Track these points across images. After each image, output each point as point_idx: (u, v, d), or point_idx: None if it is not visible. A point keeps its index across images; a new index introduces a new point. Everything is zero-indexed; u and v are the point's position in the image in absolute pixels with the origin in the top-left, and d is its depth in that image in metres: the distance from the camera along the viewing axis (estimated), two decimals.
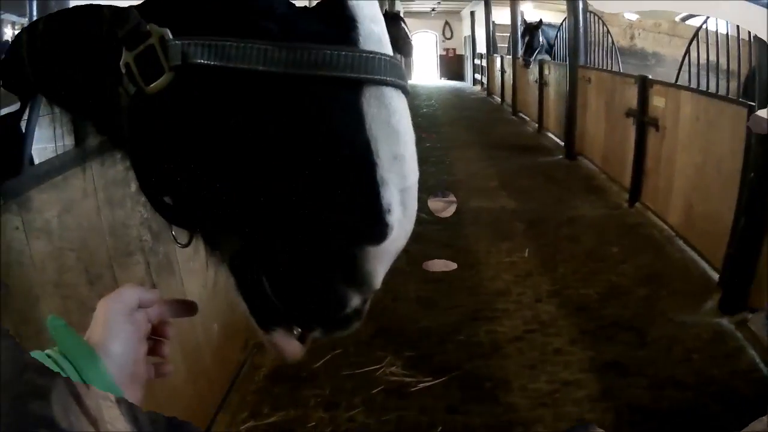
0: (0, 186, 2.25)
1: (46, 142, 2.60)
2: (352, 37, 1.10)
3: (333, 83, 1.06)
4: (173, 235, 1.40)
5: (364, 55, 1.08)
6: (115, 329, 1.18)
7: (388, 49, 1.14)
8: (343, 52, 1.06)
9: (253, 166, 1.09)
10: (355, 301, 1.21)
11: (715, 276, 5.94)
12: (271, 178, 1.09)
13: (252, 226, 1.15)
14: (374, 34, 1.12)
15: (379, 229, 1.08)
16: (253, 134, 1.08)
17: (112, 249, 3.00)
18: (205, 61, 1.05)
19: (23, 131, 2.33)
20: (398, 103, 1.12)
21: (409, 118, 1.15)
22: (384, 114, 1.08)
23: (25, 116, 2.28)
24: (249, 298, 1.26)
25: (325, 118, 1.07)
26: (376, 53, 1.10)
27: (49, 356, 1.07)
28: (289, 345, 1.31)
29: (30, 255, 2.37)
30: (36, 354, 1.06)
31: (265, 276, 1.20)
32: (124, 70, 1.12)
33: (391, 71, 1.10)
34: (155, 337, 1.34)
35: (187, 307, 1.41)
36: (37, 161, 2.64)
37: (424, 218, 7.72)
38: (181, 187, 1.21)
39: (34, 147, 2.55)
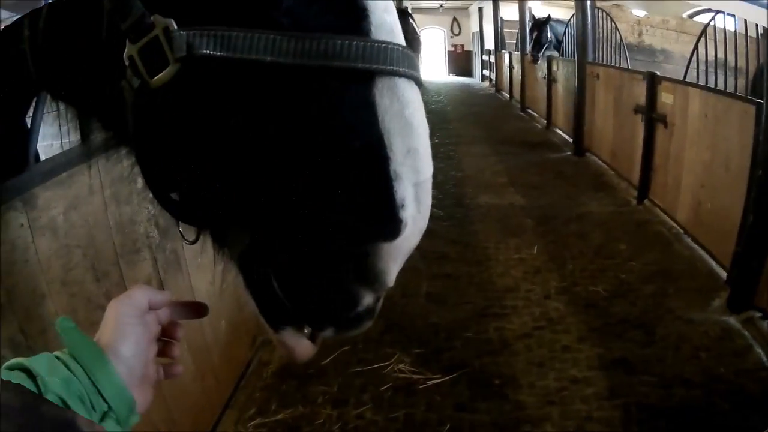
0: (5, 183, 2.24)
1: (52, 138, 2.65)
2: (363, 27, 1.04)
3: (344, 74, 1.01)
4: (180, 232, 1.38)
5: (376, 45, 1.02)
6: (126, 331, 1.17)
7: (400, 39, 1.09)
8: (354, 42, 1.00)
9: (262, 161, 1.05)
10: (367, 299, 1.18)
11: (723, 274, 5.95)
12: (281, 173, 1.04)
13: (261, 223, 1.11)
14: (386, 24, 1.07)
15: (392, 226, 1.03)
16: (261, 127, 1.03)
17: (118, 246, 3.00)
18: (211, 52, 1.00)
19: (28, 127, 2.30)
20: (412, 94, 1.07)
21: (423, 111, 1.09)
22: (397, 106, 1.03)
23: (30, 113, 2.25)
24: (258, 297, 1.23)
25: (336, 111, 1.02)
26: (389, 43, 1.04)
27: (58, 358, 1.06)
28: (300, 344, 1.29)
29: (35, 252, 2.37)
30: (45, 356, 1.06)
31: (274, 274, 1.17)
32: (127, 63, 1.07)
33: (404, 61, 1.05)
34: (165, 338, 1.33)
35: (197, 309, 1.40)
36: (43, 158, 2.63)
37: (434, 213, 7.78)
38: (187, 182, 1.18)
39: (39, 144, 2.52)
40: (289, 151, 1.02)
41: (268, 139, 1.03)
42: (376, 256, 1.08)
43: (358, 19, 1.04)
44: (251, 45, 0.98)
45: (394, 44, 1.04)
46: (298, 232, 1.07)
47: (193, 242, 1.35)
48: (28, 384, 0.97)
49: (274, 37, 0.98)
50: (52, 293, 2.45)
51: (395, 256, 1.09)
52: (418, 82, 1.09)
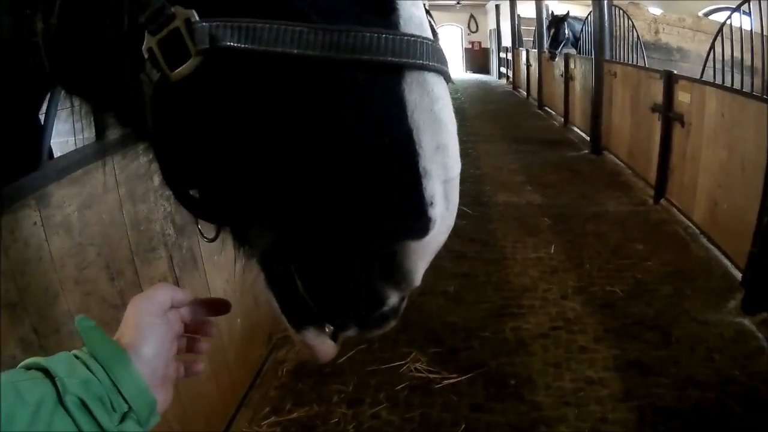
0: (18, 181, 2.22)
1: (66, 135, 2.58)
2: (392, 20, 1.01)
3: (373, 68, 0.98)
4: (199, 230, 1.36)
5: (405, 38, 0.99)
6: (148, 330, 1.15)
7: (429, 33, 1.05)
8: (384, 35, 0.97)
9: (287, 156, 1.01)
10: (393, 299, 1.16)
11: (739, 275, 5.93)
12: (307, 169, 1.00)
13: (285, 220, 1.08)
14: (415, 17, 1.04)
15: (421, 224, 1.01)
16: (287, 122, 1.00)
17: (134, 244, 3.00)
18: (235, 44, 0.96)
19: (42, 124, 2.26)
20: (441, 89, 1.04)
21: (451, 106, 1.07)
22: (426, 101, 1.00)
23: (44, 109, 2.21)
24: (280, 296, 1.22)
25: (364, 106, 0.99)
26: (418, 37, 1.01)
27: (77, 357, 1.04)
28: (322, 344, 1.27)
29: (49, 251, 2.36)
30: (63, 355, 1.05)
31: (299, 272, 1.14)
32: (146, 56, 1.03)
33: (434, 56, 1.02)
34: (190, 334, 1.33)
35: (219, 306, 1.37)
36: (57, 155, 2.62)
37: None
38: (209, 179, 1.16)
39: (54, 140, 2.52)
40: (315, 146, 1.00)
41: (293, 134, 1.00)
42: (403, 254, 1.06)
43: (386, 12, 1.02)
44: (277, 37, 0.95)
45: (424, 38, 1.01)
46: (323, 229, 1.04)
47: (213, 240, 1.33)
48: (45, 385, 0.96)
49: (300, 29, 0.96)
50: (66, 292, 2.44)
51: (423, 254, 1.07)
52: (447, 77, 1.07)
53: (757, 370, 4.52)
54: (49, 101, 2.19)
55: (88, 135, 1.99)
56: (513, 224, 8.08)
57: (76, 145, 2.59)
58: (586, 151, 12.43)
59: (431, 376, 4.62)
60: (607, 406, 4.20)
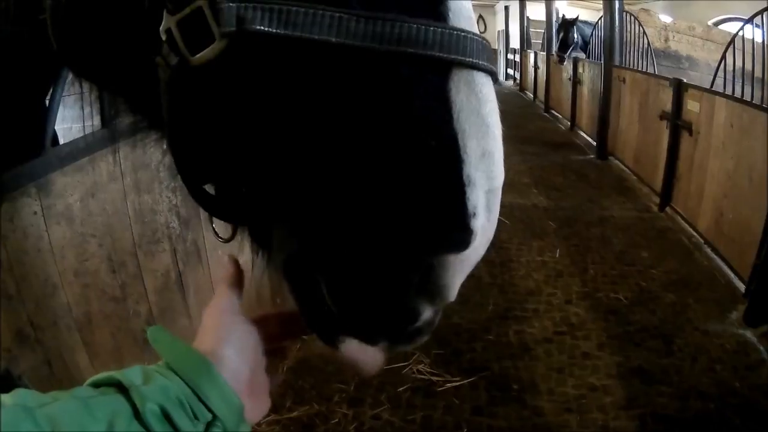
0: (17, 168, 2.17)
1: (73, 121, 2.50)
2: (440, 11, 0.94)
3: (418, 63, 0.90)
4: (214, 229, 1.27)
5: (455, 33, 0.91)
6: (225, 329, 1.09)
7: (477, 29, 0.98)
8: (432, 28, 0.89)
9: (319, 155, 0.93)
10: (427, 313, 1.06)
11: (742, 286, 5.93)
12: (341, 170, 0.92)
13: (314, 225, 0.98)
14: (465, 10, 0.98)
15: (462, 236, 0.93)
16: (320, 117, 0.91)
17: (137, 236, 2.95)
18: (266, 29, 0.87)
19: (47, 108, 2.16)
20: (489, 91, 0.96)
21: (498, 109, 0.98)
22: (474, 103, 0.93)
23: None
24: (306, 307, 1.09)
25: (406, 104, 0.90)
26: (468, 32, 0.93)
27: (157, 372, 0.97)
28: (368, 355, 1.16)
29: (49, 241, 2.31)
30: (137, 367, 0.97)
31: (326, 282, 1.02)
32: (164, 37, 0.94)
33: (483, 54, 0.95)
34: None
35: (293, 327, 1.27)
36: (62, 142, 2.57)
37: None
38: (229, 174, 1.07)
39: (59, 126, 2.45)
40: (350, 146, 0.91)
41: (326, 131, 0.92)
42: (440, 268, 0.98)
43: (435, 2, 0.94)
44: (314, 23, 0.87)
45: (474, 33, 0.94)
46: (357, 238, 0.95)
47: (228, 240, 1.26)
48: (117, 400, 0.89)
49: (340, 16, 0.87)
50: (65, 284, 2.40)
51: (461, 268, 1.00)
52: (495, 78, 1.00)
53: (757, 382, 4.53)
54: (54, 84, 2.10)
55: (96, 122, 1.89)
56: (519, 226, 8.06)
57: (84, 131, 2.49)
58: (592, 156, 12.39)
59: (434, 378, 4.60)
60: (609, 414, 4.19)
